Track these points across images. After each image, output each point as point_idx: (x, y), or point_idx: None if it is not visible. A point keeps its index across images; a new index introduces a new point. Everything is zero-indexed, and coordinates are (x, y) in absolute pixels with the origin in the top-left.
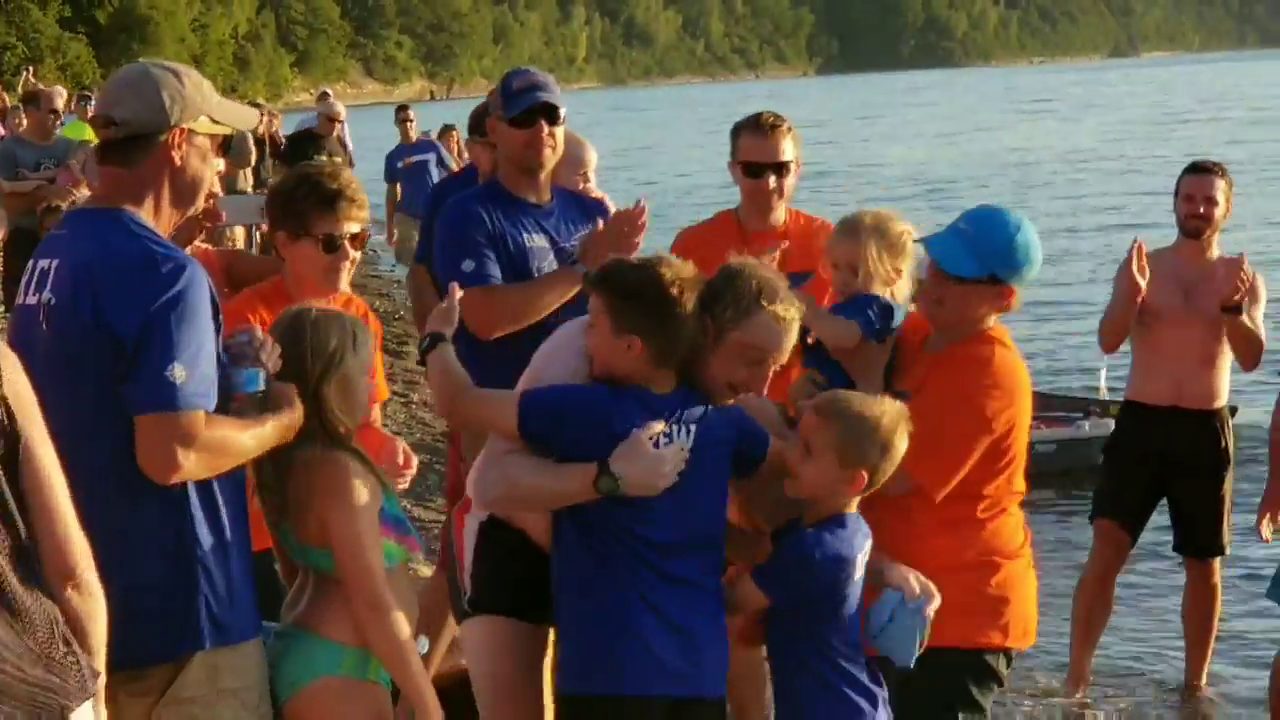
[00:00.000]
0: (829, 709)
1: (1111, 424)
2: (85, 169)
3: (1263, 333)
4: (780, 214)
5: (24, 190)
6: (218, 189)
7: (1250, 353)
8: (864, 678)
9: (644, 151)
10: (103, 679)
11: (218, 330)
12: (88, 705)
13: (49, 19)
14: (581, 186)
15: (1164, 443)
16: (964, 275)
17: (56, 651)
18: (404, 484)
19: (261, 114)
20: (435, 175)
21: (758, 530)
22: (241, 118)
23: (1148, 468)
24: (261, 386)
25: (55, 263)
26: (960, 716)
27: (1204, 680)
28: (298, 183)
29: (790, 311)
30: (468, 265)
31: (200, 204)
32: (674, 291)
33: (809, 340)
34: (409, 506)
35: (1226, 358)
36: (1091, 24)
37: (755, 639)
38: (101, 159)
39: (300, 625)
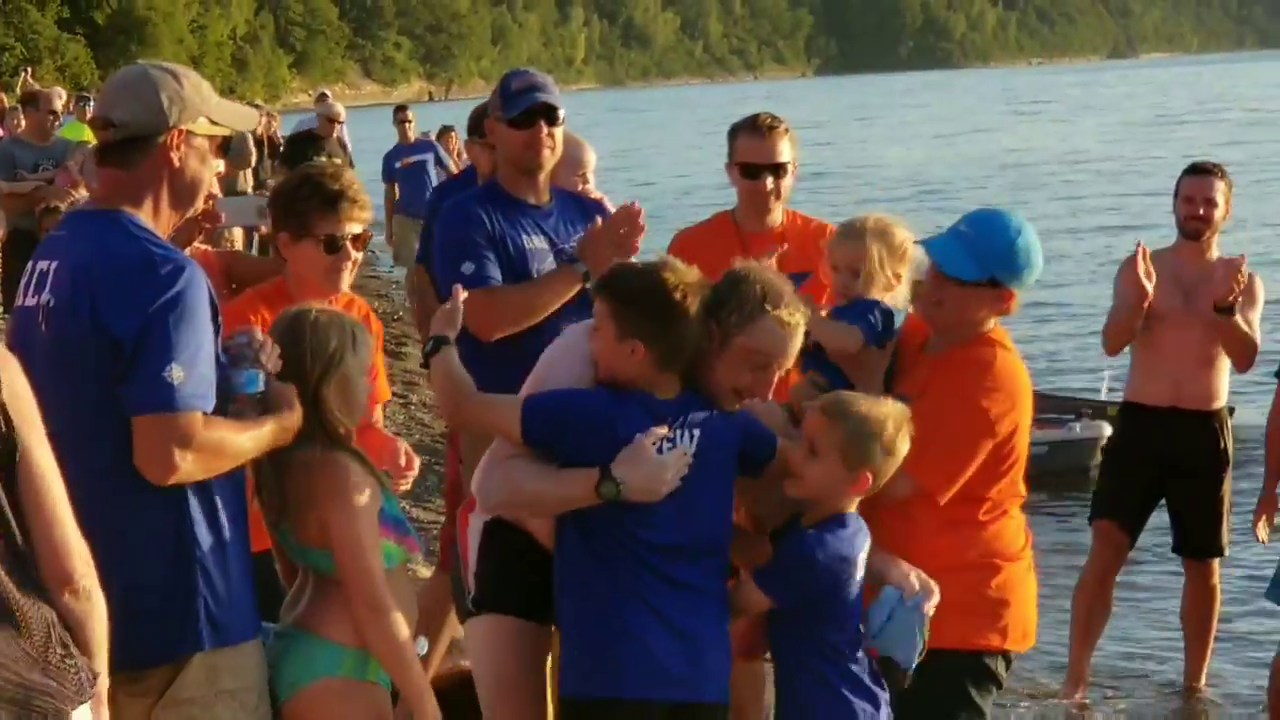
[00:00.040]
0: (830, 709)
1: (1104, 426)
2: (84, 170)
3: (1257, 335)
4: (778, 215)
5: (22, 191)
6: (217, 190)
7: (1243, 354)
8: (866, 678)
9: (642, 152)
10: (104, 680)
11: (217, 331)
12: (85, 708)
13: (47, 20)
14: (580, 187)
15: (1163, 444)
16: (964, 278)
17: (53, 655)
18: (406, 485)
19: (260, 115)
20: (433, 175)
21: (759, 532)
22: (240, 118)
23: (1147, 469)
24: (261, 387)
25: (54, 264)
26: (960, 718)
27: (1203, 681)
28: (300, 183)
29: (795, 316)
30: (468, 267)
31: (199, 205)
32: (678, 296)
33: (808, 344)
34: (408, 507)
35: (1225, 359)
36: (1090, 25)
37: (754, 651)
38: (100, 160)
39: (300, 626)
